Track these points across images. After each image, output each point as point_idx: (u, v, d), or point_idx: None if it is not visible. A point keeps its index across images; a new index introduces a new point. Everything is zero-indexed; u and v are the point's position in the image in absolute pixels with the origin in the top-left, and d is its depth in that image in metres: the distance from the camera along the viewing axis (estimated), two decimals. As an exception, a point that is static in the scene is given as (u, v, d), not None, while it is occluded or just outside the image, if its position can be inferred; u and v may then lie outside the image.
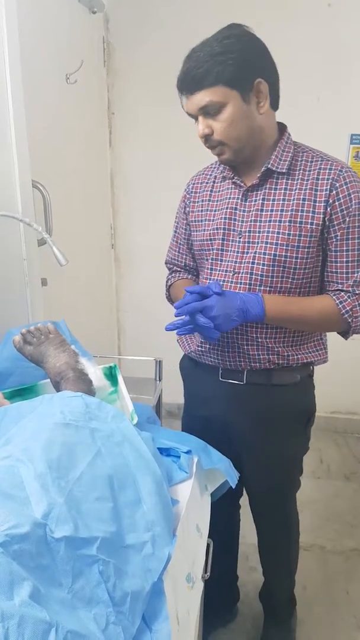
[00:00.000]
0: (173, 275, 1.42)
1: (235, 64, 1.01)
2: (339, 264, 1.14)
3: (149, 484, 0.86)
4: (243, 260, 1.18)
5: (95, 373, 1.10)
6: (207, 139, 1.10)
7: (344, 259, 1.13)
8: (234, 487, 1.11)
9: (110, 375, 1.25)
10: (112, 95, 2.40)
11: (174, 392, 2.68)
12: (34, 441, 0.78)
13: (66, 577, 0.64)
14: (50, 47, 1.78)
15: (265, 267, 1.15)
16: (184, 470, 1.04)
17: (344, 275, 1.14)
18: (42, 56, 1.73)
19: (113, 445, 0.88)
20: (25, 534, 0.62)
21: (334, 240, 1.12)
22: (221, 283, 1.19)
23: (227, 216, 1.19)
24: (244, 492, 1.49)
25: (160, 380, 1.61)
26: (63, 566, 0.64)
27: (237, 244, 1.19)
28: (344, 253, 1.12)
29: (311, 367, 1.29)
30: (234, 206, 1.19)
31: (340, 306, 1.13)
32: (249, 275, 1.17)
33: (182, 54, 1.07)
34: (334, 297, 1.14)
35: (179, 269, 1.42)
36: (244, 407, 1.26)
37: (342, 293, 1.14)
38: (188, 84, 1.05)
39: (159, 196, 2.50)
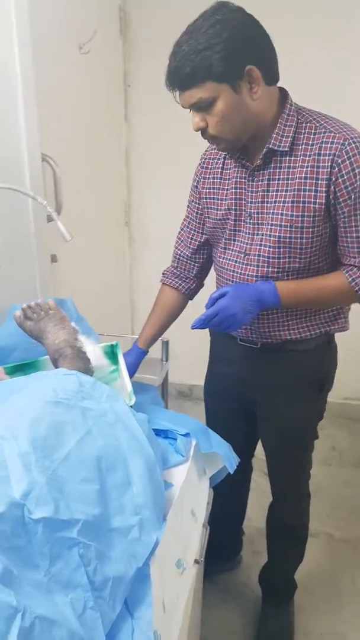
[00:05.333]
0: (171, 269, 1.38)
1: (222, 57, 0.95)
2: (349, 240, 1.10)
3: (140, 466, 0.84)
4: (253, 242, 1.16)
5: (94, 351, 1.07)
6: (201, 132, 1.06)
7: (354, 235, 1.09)
8: (232, 472, 1.08)
9: (112, 353, 1.23)
10: (128, 66, 2.32)
11: (185, 372, 2.67)
12: (21, 419, 0.76)
13: (43, 559, 0.63)
14: (61, 15, 1.72)
15: (272, 249, 1.13)
16: (180, 454, 1.01)
17: (356, 251, 1.11)
18: (53, 24, 1.67)
19: (105, 426, 0.85)
20: (1, 514, 0.61)
21: (342, 217, 1.08)
22: (233, 263, 1.21)
23: (237, 196, 1.17)
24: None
25: (166, 360, 1.58)
26: (40, 548, 0.63)
27: (248, 225, 1.17)
28: (353, 229, 1.09)
29: (330, 335, 1.27)
30: (241, 186, 1.16)
31: (353, 283, 1.11)
32: (257, 257, 1.16)
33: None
34: (346, 275, 1.12)
35: (183, 257, 1.36)
36: (259, 368, 1.29)
37: (355, 269, 1.11)
38: (176, 82, 1.01)
39: (176, 173, 2.41)
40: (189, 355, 2.24)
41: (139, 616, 0.70)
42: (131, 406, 1.01)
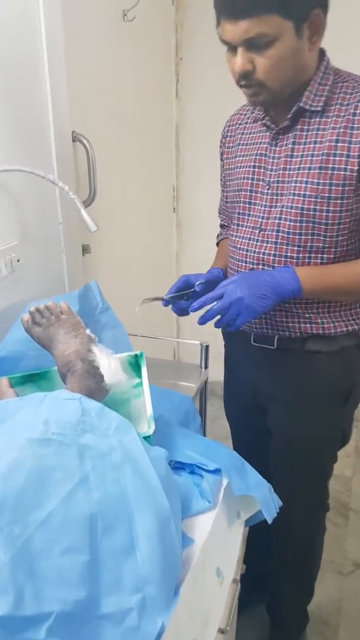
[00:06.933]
0: (222, 231, 1.34)
1: None
2: None
3: (149, 522, 0.66)
4: (270, 216, 1.02)
5: (109, 366, 0.90)
6: (245, 76, 0.90)
7: None
8: (269, 521, 0.88)
9: (136, 365, 1.06)
10: (181, 36, 2.10)
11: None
12: (-8, 466, 0.60)
13: None
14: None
15: (292, 224, 0.99)
16: (207, 499, 0.82)
17: None
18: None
19: (107, 469, 0.68)
20: None
21: None
22: (246, 241, 1.07)
23: (256, 164, 1.04)
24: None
25: (206, 367, 1.39)
26: (-11, 660, 0.47)
27: (265, 196, 1.03)
28: None
29: (358, 337, 1.09)
30: (263, 152, 1.03)
31: None
32: (275, 233, 1.02)
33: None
34: None
35: (226, 224, 1.31)
36: (274, 373, 1.13)
37: None
38: (235, 7, 0.85)
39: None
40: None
41: None
42: (149, 436, 0.84)
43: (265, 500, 0.88)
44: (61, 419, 0.71)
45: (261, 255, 1.04)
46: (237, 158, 1.09)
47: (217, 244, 1.34)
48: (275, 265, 1.03)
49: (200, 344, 1.39)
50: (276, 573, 1.39)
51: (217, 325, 0.99)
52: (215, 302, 0.97)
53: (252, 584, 1.52)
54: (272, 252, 1.02)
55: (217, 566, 0.82)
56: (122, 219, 1.87)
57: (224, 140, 1.17)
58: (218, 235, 1.35)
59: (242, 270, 1.08)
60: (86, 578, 0.57)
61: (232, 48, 0.89)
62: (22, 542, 0.54)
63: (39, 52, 1.19)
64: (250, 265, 1.06)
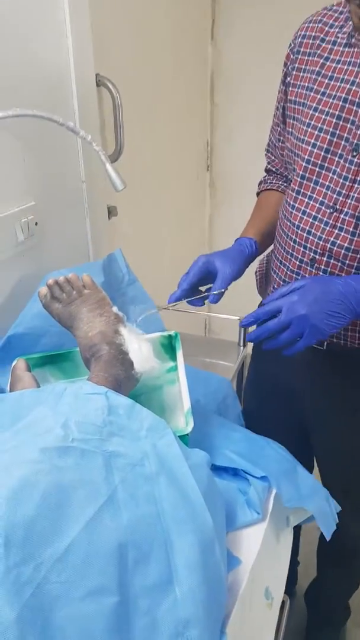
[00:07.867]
0: (268, 177, 1.06)
1: None
2: None
3: (189, 547, 0.54)
4: (352, 194, 0.76)
5: (139, 350, 0.77)
6: None
7: None
8: (328, 538, 0.75)
9: (170, 346, 0.92)
10: (218, -33, 1.87)
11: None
12: (-3, 486, 0.48)
13: None
14: None
15: None
16: (255, 509, 0.70)
17: None
18: None
19: (140, 482, 0.56)
20: None
21: None
22: (310, 220, 0.82)
23: (342, 114, 0.75)
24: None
25: (244, 345, 1.25)
26: None
27: (347, 164, 0.76)
28: None
29: None
30: (356, 99, 0.73)
31: None
32: (355, 221, 0.76)
33: None
34: None
35: (274, 168, 1.04)
36: (320, 376, 0.95)
37: None
38: None
39: (271, 106, 1.99)
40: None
41: None
42: (186, 435, 0.71)
43: (322, 512, 0.75)
44: (84, 420, 0.59)
45: (329, 245, 0.80)
46: (313, 94, 0.80)
47: (258, 194, 1.08)
48: (348, 262, 0.79)
49: (239, 319, 1.24)
50: (325, 568, 1.29)
51: (266, 347, 0.76)
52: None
53: None
54: (346, 245, 0.78)
55: (266, 586, 0.70)
56: (151, 176, 1.70)
57: (293, 58, 0.85)
58: (261, 183, 1.08)
59: (298, 256, 0.85)
60: (114, 626, 0.46)
61: None
62: (34, 589, 0.43)
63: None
64: (311, 254, 0.83)
